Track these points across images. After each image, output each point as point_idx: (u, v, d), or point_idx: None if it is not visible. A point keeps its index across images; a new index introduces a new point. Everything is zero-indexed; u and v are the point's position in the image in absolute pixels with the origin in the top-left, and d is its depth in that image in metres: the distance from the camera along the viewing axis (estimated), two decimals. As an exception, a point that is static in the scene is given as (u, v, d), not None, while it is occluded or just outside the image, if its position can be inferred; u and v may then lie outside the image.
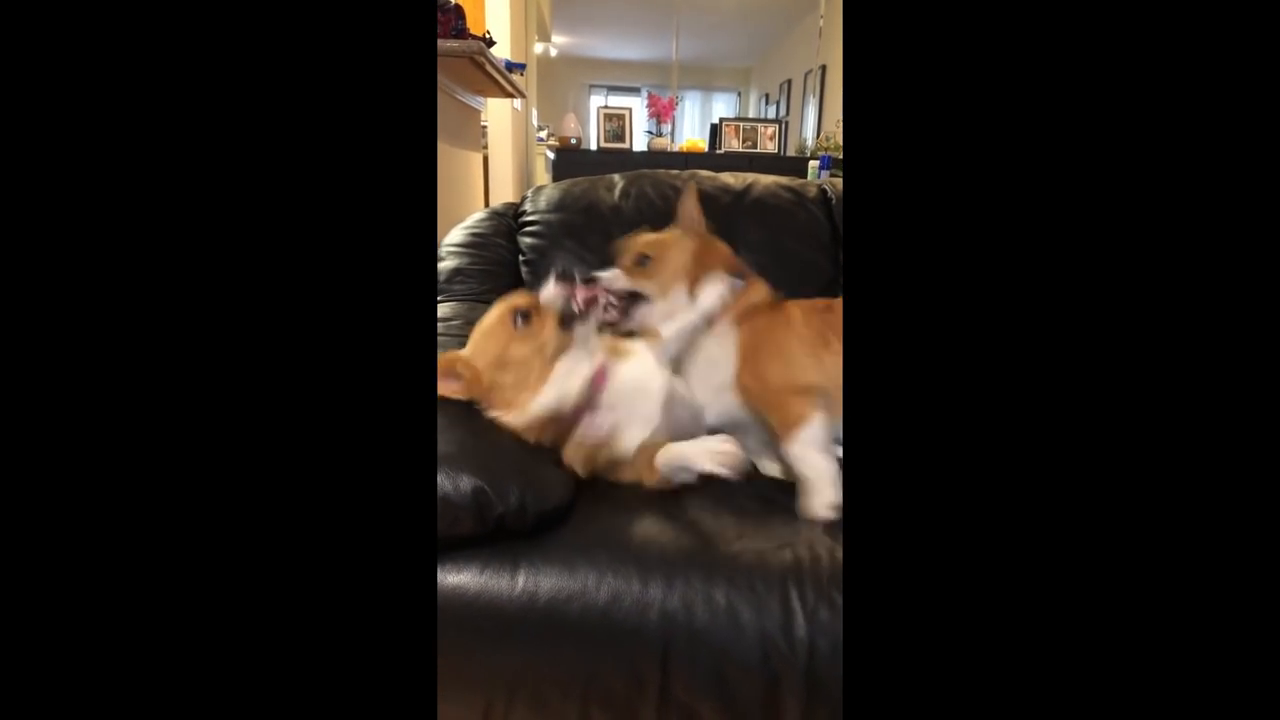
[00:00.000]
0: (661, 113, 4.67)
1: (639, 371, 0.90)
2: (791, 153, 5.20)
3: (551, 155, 4.57)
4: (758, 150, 4.61)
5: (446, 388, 0.83)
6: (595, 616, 0.69)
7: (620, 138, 4.56)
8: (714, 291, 0.99)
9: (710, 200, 1.38)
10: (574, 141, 4.36)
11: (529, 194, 1.46)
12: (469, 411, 0.85)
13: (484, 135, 3.53)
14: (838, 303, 1.00)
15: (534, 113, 4.84)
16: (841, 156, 4.20)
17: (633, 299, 1.02)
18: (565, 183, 1.45)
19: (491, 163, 3.72)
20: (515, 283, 1.35)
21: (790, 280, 1.30)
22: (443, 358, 0.84)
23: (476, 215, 1.44)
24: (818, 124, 5.73)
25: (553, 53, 6.48)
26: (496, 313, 0.86)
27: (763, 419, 0.94)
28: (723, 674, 0.68)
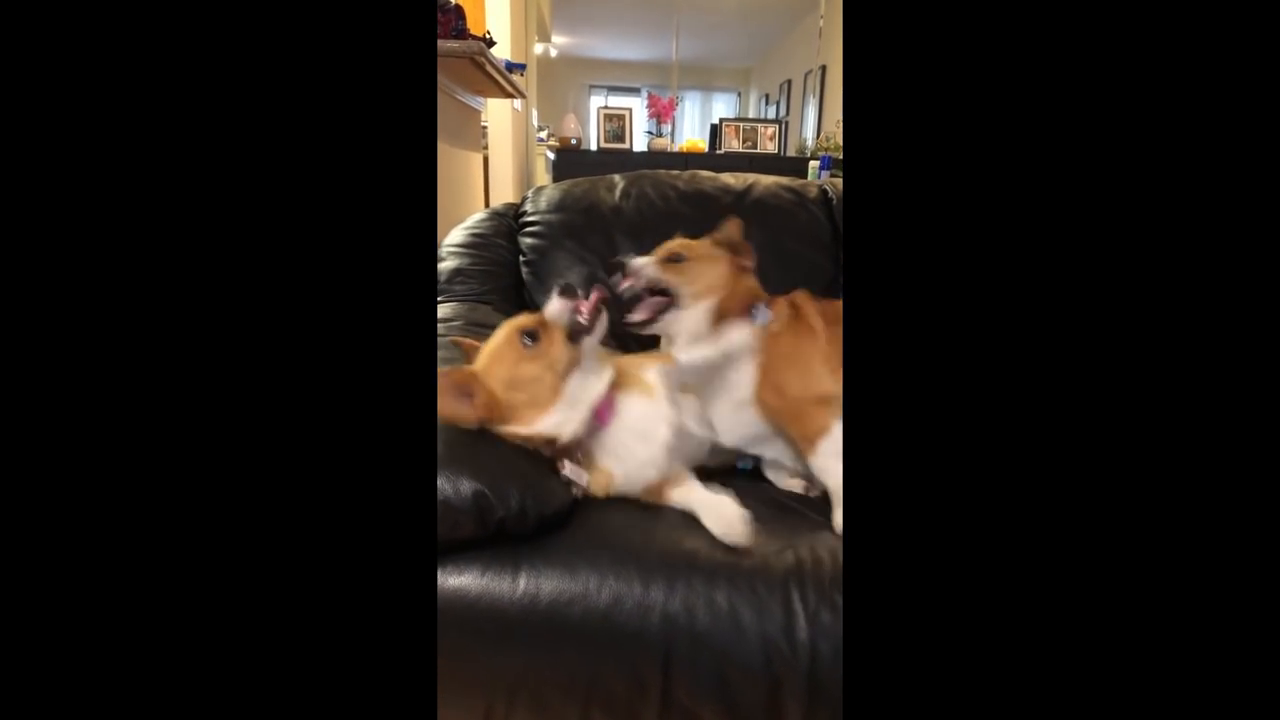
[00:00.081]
0: (661, 113, 4.67)
1: (647, 412, 0.87)
2: (791, 153, 5.20)
3: (551, 155, 4.58)
4: (758, 150, 4.61)
5: (460, 410, 0.79)
6: (596, 619, 0.69)
7: (620, 138, 4.56)
8: (741, 335, 0.96)
9: (711, 201, 1.38)
10: (574, 142, 4.37)
11: (529, 194, 1.46)
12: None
13: (484, 135, 3.53)
14: None
15: (534, 113, 4.84)
16: (841, 157, 4.20)
17: (662, 297, 1.00)
18: (566, 183, 1.45)
19: (491, 163, 3.72)
20: (516, 283, 1.35)
21: (791, 281, 1.30)
22: (457, 372, 0.81)
23: (477, 216, 1.44)
24: (818, 124, 5.73)
25: (553, 53, 6.48)
26: (503, 334, 0.85)
27: (784, 432, 0.94)
28: (724, 677, 0.67)
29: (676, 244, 1.06)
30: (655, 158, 4.31)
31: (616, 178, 1.44)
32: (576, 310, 0.84)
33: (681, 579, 0.70)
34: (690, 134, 7.45)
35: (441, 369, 0.79)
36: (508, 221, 1.42)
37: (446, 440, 0.75)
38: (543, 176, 5.00)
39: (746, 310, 1.00)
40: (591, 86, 8.18)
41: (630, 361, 0.95)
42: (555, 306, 0.85)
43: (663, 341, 1.07)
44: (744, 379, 0.95)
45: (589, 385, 0.84)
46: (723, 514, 0.77)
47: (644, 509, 0.83)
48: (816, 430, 0.88)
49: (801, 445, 0.90)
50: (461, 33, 1.92)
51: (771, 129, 4.75)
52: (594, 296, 0.85)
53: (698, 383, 0.96)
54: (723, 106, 8.75)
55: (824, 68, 5.68)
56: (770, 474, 1.01)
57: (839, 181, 1.50)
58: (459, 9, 1.93)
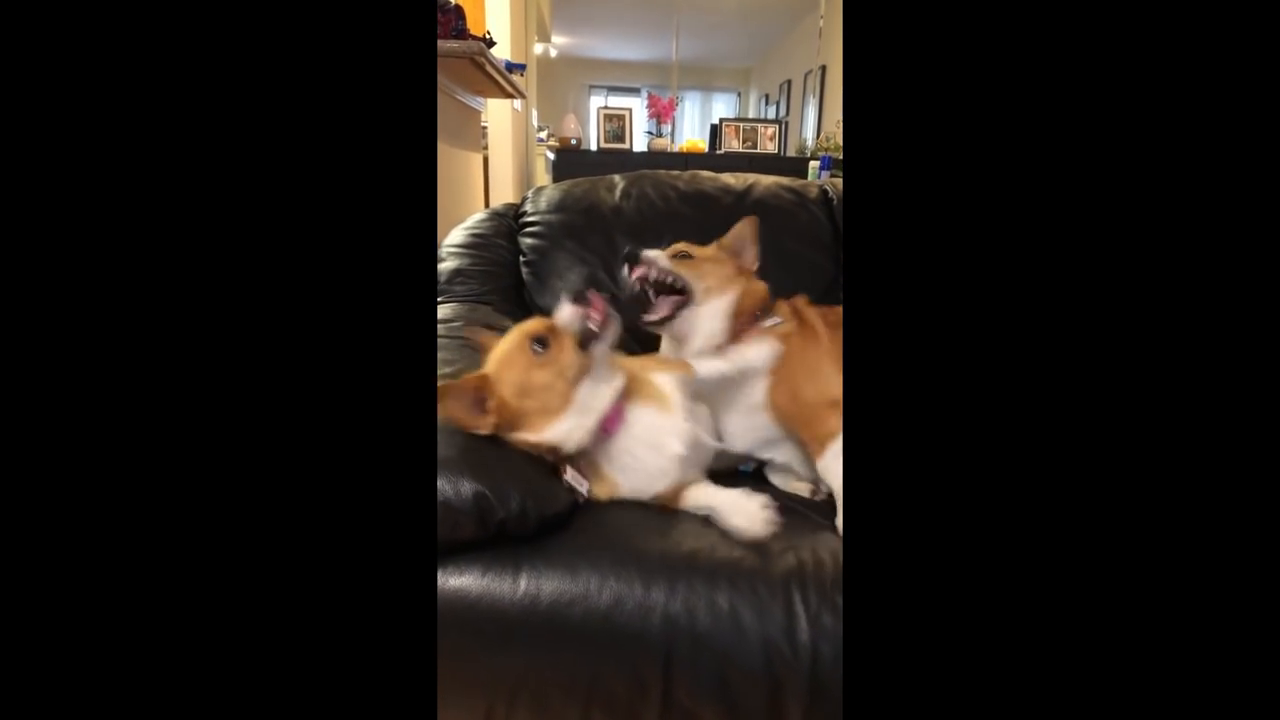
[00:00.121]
0: (661, 113, 4.67)
1: (660, 424, 0.85)
2: (791, 153, 5.20)
3: (551, 156, 4.58)
4: (758, 151, 4.61)
5: (475, 419, 0.78)
6: (597, 620, 0.69)
7: (620, 138, 4.56)
8: (760, 353, 0.96)
9: (711, 201, 1.38)
10: (574, 142, 4.37)
11: (529, 195, 1.46)
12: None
13: (484, 136, 3.53)
14: None
15: (534, 113, 4.84)
16: (841, 157, 4.19)
17: (678, 296, 0.99)
18: (566, 183, 1.45)
19: (491, 163, 3.72)
20: (516, 283, 1.35)
21: (792, 281, 1.30)
22: (469, 378, 0.80)
23: (477, 216, 1.44)
24: (818, 124, 5.73)
25: (553, 53, 6.48)
26: (514, 340, 0.83)
27: (795, 435, 0.94)
28: (725, 678, 0.67)
29: (682, 245, 1.06)
30: (655, 158, 4.31)
31: (617, 178, 1.44)
32: (588, 317, 0.83)
33: (683, 580, 0.70)
34: (690, 134, 7.45)
35: (454, 379, 0.79)
36: (508, 222, 1.42)
37: (448, 441, 0.75)
38: (543, 177, 5.00)
39: (759, 311, 1.01)
40: (591, 87, 8.18)
41: (641, 365, 0.94)
42: (567, 313, 0.84)
43: (669, 343, 1.07)
44: (758, 384, 0.96)
45: (599, 393, 0.83)
46: (744, 507, 0.78)
47: (645, 510, 0.83)
48: (827, 433, 0.89)
49: (812, 448, 0.91)
50: (461, 33, 1.92)
51: (771, 129, 4.75)
52: (603, 302, 0.84)
53: (712, 391, 0.96)
54: (723, 106, 8.75)
55: (824, 68, 5.68)
56: (774, 478, 1.01)
57: (839, 182, 1.50)
58: (459, 9, 1.93)
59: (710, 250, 1.06)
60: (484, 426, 0.78)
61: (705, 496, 0.83)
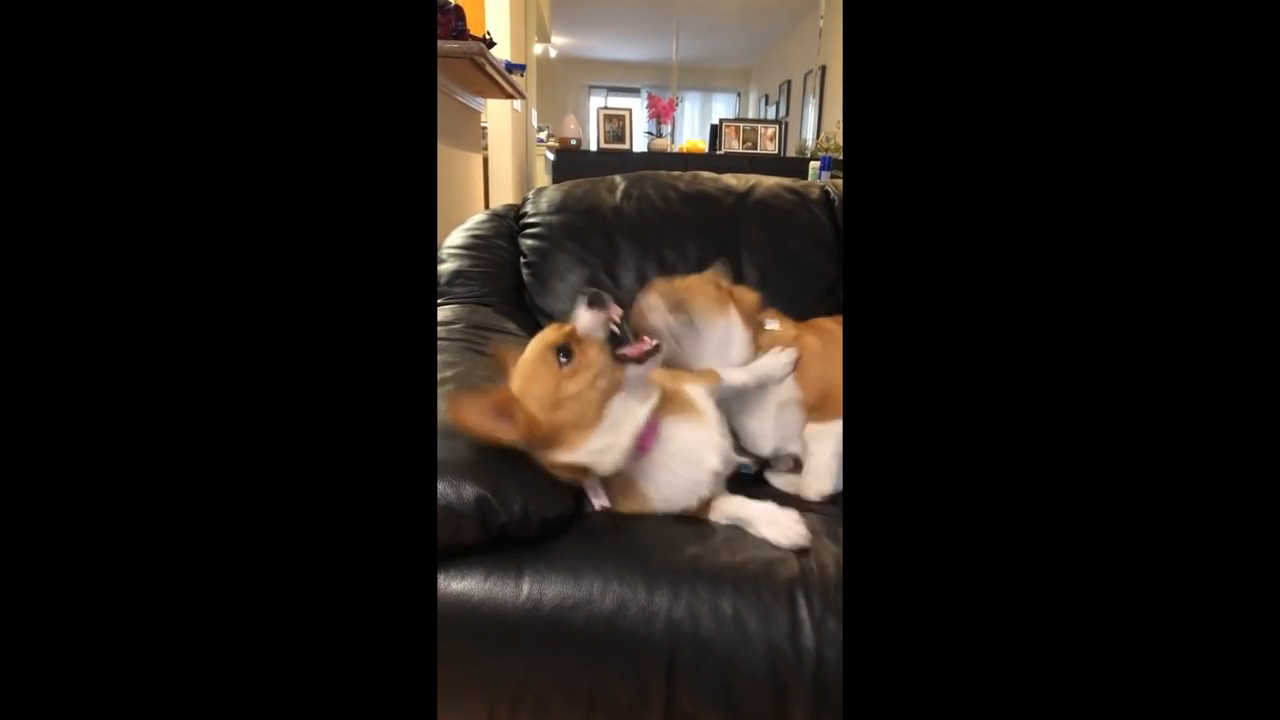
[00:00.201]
0: (661, 113, 4.67)
1: (697, 438, 0.83)
2: (791, 153, 5.20)
3: (551, 156, 4.58)
4: (758, 151, 4.61)
5: (501, 429, 0.74)
6: (600, 625, 0.68)
7: (620, 138, 4.56)
8: (779, 362, 0.97)
9: (712, 202, 1.38)
10: (574, 142, 4.37)
11: (530, 195, 1.45)
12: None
13: (484, 136, 3.53)
14: None
15: (534, 114, 4.84)
16: (841, 157, 4.19)
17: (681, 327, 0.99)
18: (566, 184, 1.45)
19: (491, 164, 3.72)
20: (516, 285, 1.35)
21: (793, 282, 1.30)
22: (497, 392, 0.77)
23: (477, 217, 1.43)
24: (818, 125, 5.73)
25: (552, 53, 6.48)
26: (535, 352, 0.80)
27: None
28: (729, 685, 0.67)
29: (666, 288, 1.02)
30: (655, 158, 4.31)
31: (617, 179, 1.44)
32: (610, 320, 0.80)
33: (686, 585, 0.69)
34: (690, 134, 7.46)
35: (480, 394, 0.76)
36: (508, 223, 1.41)
37: (449, 445, 0.74)
38: (542, 177, 5.00)
39: (758, 316, 1.03)
40: (591, 87, 8.18)
41: (672, 376, 0.91)
42: (586, 320, 0.79)
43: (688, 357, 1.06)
44: (785, 382, 0.98)
45: (632, 409, 0.79)
46: (777, 520, 0.77)
47: (650, 514, 0.82)
48: (835, 416, 0.93)
49: (816, 418, 0.95)
50: (461, 33, 1.92)
51: (771, 129, 4.75)
52: (645, 342, 0.80)
53: (729, 399, 0.96)
54: (722, 107, 8.75)
55: (824, 68, 5.68)
56: (775, 480, 1.00)
57: (839, 182, 1.49)
58: (459, 9, 1.93)
59: (692, 280, 1.06)
60: (512, 436, 0.75)
61: (736, 508, 0.81)
